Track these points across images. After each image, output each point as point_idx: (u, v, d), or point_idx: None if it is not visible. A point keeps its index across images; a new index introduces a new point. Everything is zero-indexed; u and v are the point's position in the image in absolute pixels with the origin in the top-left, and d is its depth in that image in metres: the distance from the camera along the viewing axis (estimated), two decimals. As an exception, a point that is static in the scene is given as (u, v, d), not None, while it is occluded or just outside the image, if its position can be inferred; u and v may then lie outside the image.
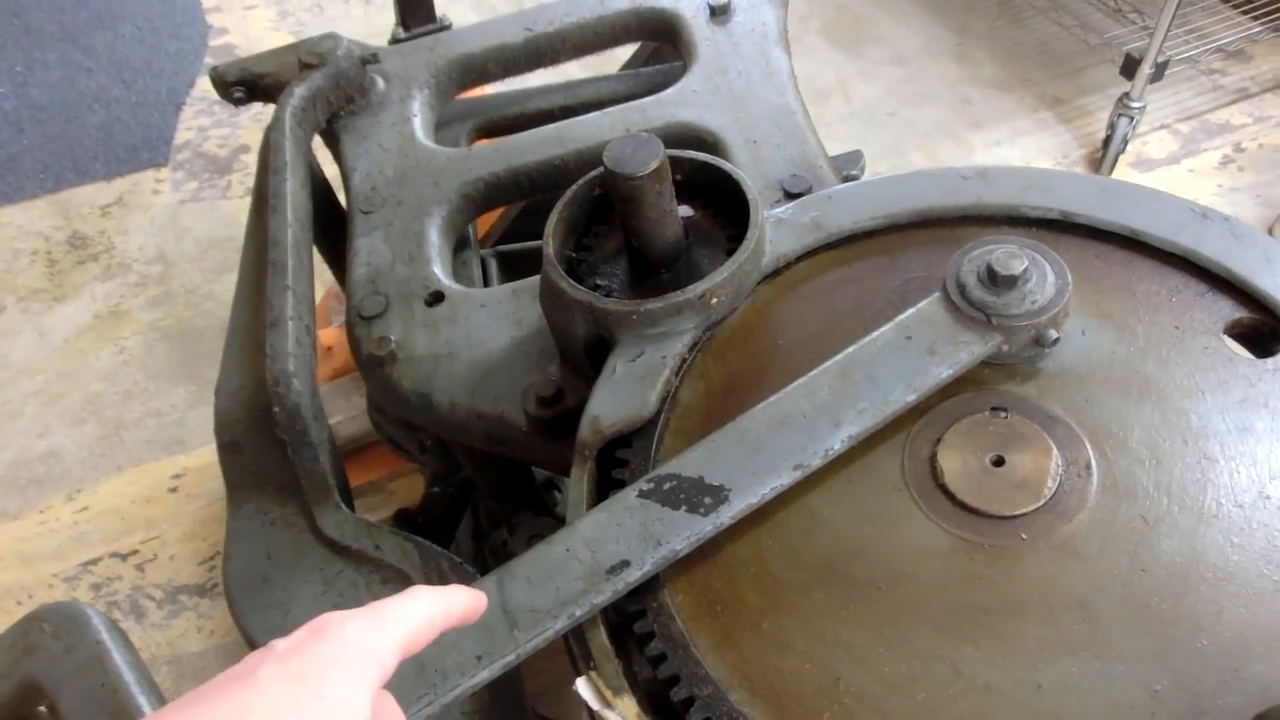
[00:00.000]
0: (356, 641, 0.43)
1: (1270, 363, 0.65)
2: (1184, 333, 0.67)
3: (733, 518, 0.62)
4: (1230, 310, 0.68)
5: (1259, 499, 0.59)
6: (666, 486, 0.63)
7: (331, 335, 1.78)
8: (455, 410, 0.88)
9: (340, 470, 0.89)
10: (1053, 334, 0.66)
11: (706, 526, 0.61)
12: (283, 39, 2.86)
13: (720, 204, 0.81)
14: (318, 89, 1.15)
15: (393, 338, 0.93)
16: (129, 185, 2.42)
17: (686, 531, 0.61)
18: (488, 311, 0.93)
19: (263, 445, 0.88)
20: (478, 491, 1.21)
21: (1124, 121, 2.11)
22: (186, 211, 2.35)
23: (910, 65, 2.54)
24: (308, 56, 1.17)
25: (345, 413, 1.67)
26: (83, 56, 2.82)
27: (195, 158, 2.50)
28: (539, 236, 0.80)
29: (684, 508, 0.62)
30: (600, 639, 0.61)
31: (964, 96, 2.41)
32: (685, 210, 0.80)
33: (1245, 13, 2.39)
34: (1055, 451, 0.63)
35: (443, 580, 0.79)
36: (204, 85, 2.72)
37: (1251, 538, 0.57)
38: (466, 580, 0.80)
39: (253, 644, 0.81)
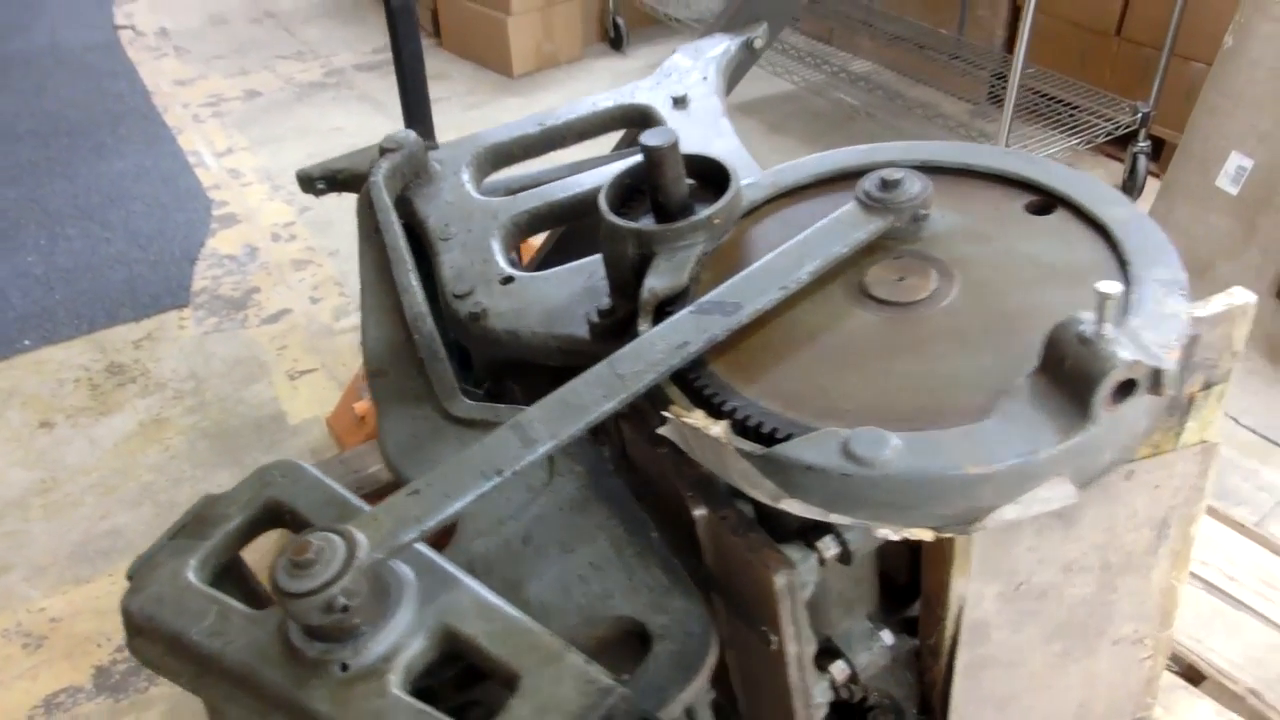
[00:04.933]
0: None
1: (1050, 218, 1.10)
2: (1000, 210, 1.12)
3: (748, 316, 1.01)
4: (1025, 196, 1.13)
5: (1049, 274, 1.02)
6: (705, 307, 1.03)
7: (365, 407, 2.14)
8: (536, 337, 1.26)
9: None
10: (924, 212, 1.09)
11: (732, 321, 1.01)
12: (277, 206, 3.32)
13: (710, 184, 1.25)
14: (396, 164, 1.58)
15: (482, 302, 1.32)
16: (156, 324, 2.77)
17: (721, 324, 1.00)
18: (549, 283, 1.34)
19: (400, 369, 1.25)
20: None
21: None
22: (211, 340, 2.71)
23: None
24: (388, 144, 1.61)
25: (381, 463, 2.01)
26: (100, 229, 3.22)
27: (213, 300, 2.88)
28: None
29: (717, 314, 1.02)
30: (676, 390, 0.99)
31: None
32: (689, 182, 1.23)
33: (1062, 132, 3.05)
34: (933, 270, 1.05)
35: (546, 428, 1.15)
36: (213, 245, 3.14)
37: (1045, 293, 1.00)
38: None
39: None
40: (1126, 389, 0.84)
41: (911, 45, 3.83)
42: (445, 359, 1.23)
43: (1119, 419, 0.87)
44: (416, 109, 2.25)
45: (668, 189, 1.18)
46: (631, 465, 1.21)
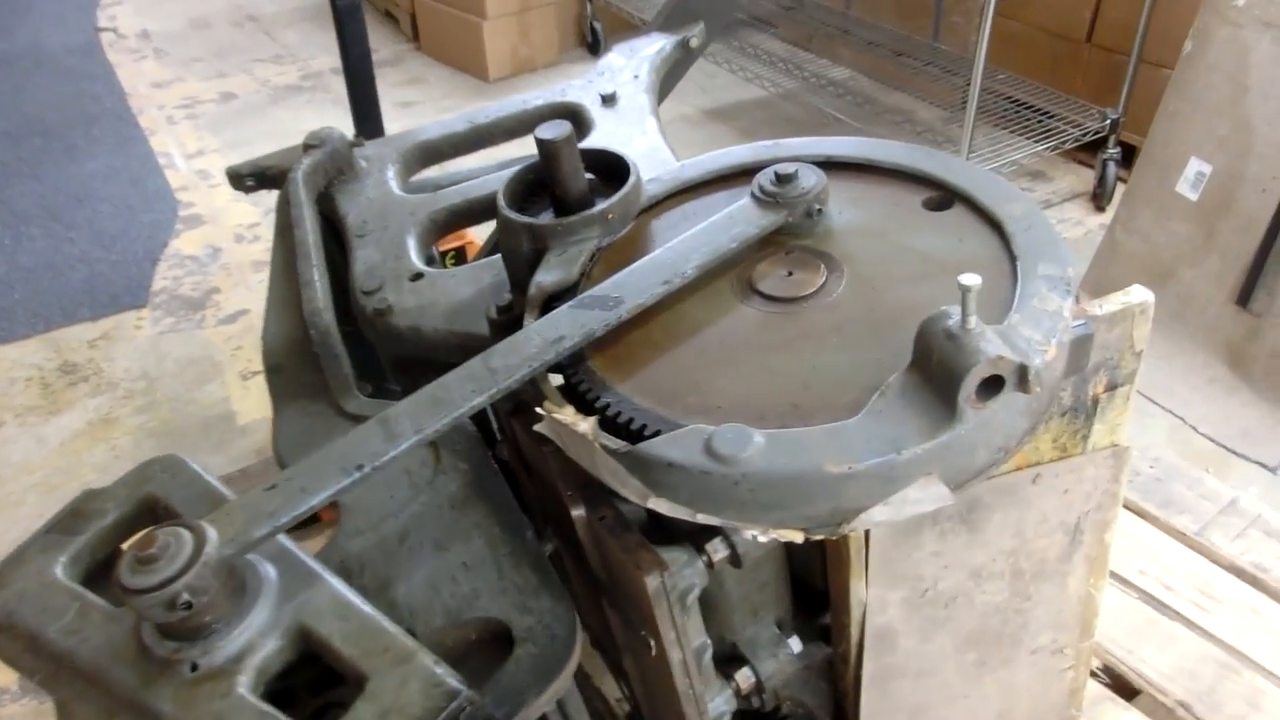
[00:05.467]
0: None
1: (946, 214, 1.07)
2: (899, 205, 1.10)
3: (629, 312, 0.99)
4: (924, 192, 1.10)
5: (939, 270, 0.99)
6: (586, 302, 1.01)
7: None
8: (438, 334, 1.24)
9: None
10: (817, 207, 1.07)
11: (611, 316, 0.98)
12: (243, 207, 3.31)
13: (613, 179, 1.23)
14: (319, 161, 1.56)
15: (389, 299, 1.30)
16: (113, 324, 2.75)
17: (600, 319, 0.98)
18: (456, 280, 1.32)
19: (297, 365, 1.23)
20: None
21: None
22: (166, 340, 2.69)
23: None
24: (312, 140, 1.59)
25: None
26: (65, 229, 3.21)
27: (171, 300, 2.86)
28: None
29: (597, 309, 0.99)
30: (550, 386, 0.97)
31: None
32: (590, 177, 1.21)
33: (1030, 137, 3.03)
34: (822, 265, 1.03)
35: (437, 426, 1.13)
36: (176, 246, 3.13)
37: (930, 289, 0.97)
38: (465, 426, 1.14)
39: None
40: (993, 385, 0.82)
41: (887, 51, 3.81)
42: (341, 355, 1.21)
43: (989, 418, 0.84)
44: (365, 109, 2.24)
45: (565, 183, 1.16)
46: (528, 465, 1.18)
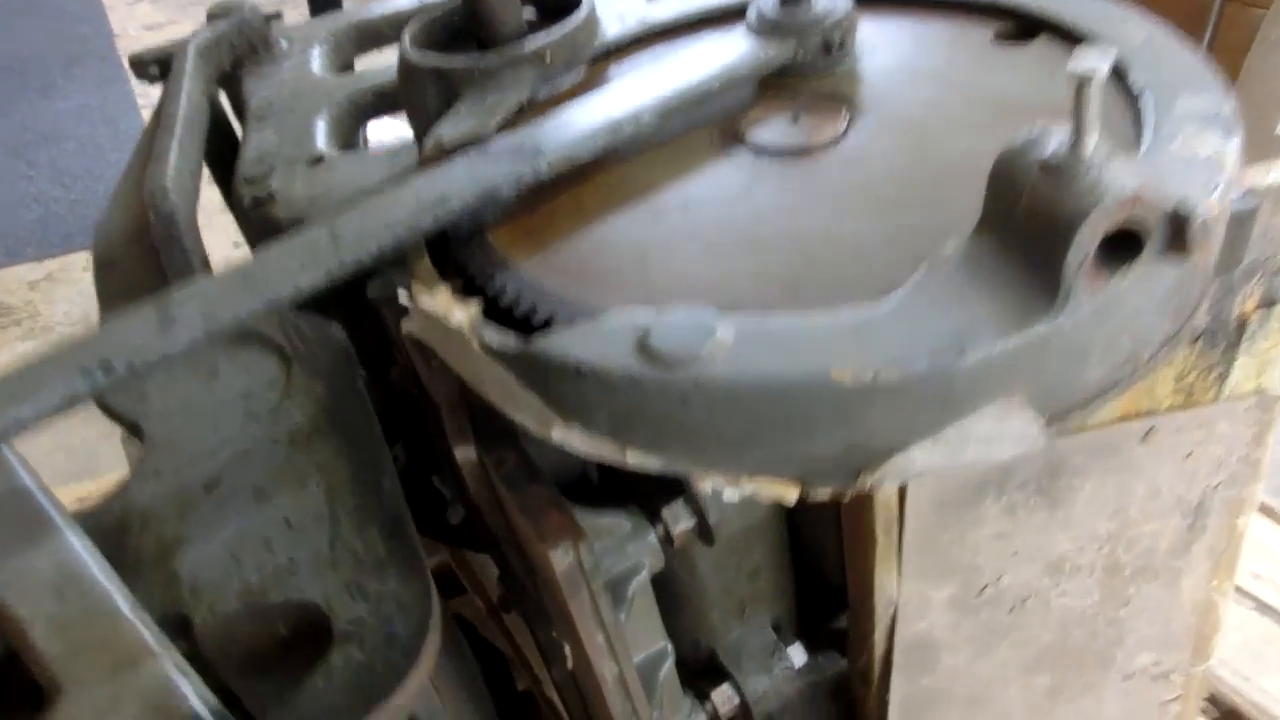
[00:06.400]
0: None
1: (1030, 47, 0.74)
2: (961, 41, 0.76)
3: (552, 166, 0.67)
4: (996, 24, 0.77)
5: (1015, 111, 0.66)
6: (491, 152, 0.68)
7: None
8: (326, 226, 0.92)
9: (211, 279, 0.92)
10: (838, 37, 0.74)
11: (525, 169, 0.66)
12: (222, 152, 3.03)
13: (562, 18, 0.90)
14: (222, 33, 1.25)
15: (273, 185, 0.98)
16: (59, 265, 2.48)
17: (508, 174, 0.66)
18: (365, 164, 1.00)
19: (135, 261, 0.92)
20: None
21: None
22: (115, 285, 2.41)
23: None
24: (216, 9, 1.28)
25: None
26: (25, 167, 2.95)
27: (128, 244, 2.59)
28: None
29: (507, 162, 0.67)
30: (425, 264, 0.65)
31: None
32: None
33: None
34: (843, 109, 0.70)
35: (301, 339, 0.82)
36: (143, 188, 2.86)
37: (986, 142, 0.64)
38: (322, 331, 0.82)
39: (128, 424, 0.79)
40: (1123, 247, 0.48)
41: None
42: (191, 250, 0.90)
43: (1114, 301, 0.50)
44: None
45: (492, 15, 0.84)
46: (424, 392, 0.86)
